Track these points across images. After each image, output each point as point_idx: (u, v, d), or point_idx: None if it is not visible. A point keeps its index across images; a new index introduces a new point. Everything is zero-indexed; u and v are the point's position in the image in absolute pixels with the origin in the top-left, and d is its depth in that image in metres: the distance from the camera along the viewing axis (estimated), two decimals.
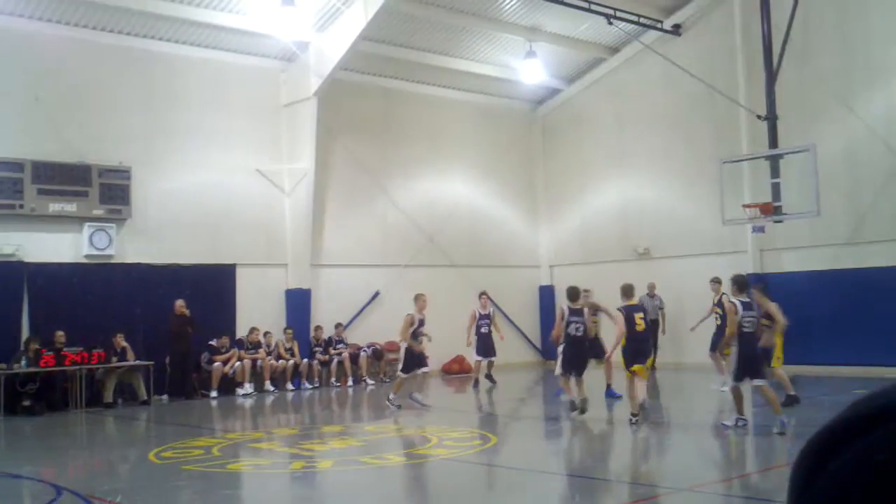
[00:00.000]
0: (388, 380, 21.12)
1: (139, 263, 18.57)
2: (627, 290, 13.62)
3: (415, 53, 22.20)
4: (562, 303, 15.11)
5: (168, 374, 18.36)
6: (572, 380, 13.82)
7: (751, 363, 11.53)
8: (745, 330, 11.50)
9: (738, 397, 11.87)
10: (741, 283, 11.87)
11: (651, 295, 21.28)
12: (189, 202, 19.30)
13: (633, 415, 12.70)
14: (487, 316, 19.54)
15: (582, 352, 13.75)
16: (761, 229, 19.29)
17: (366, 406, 18.17)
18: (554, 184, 25.93)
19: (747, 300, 11.73)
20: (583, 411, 13.41)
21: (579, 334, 13.51)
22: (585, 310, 13.95)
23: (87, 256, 17.88)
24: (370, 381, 20.64)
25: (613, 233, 24.11)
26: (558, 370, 14.01)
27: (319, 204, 21.16)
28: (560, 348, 13.92)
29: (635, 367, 13.12)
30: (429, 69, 23.01)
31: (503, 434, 13.52)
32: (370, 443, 13.00)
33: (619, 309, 13.52)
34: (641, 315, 13.50)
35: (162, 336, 18.23)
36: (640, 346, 13.20)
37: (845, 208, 19.23)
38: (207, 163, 19.68)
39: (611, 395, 15.61)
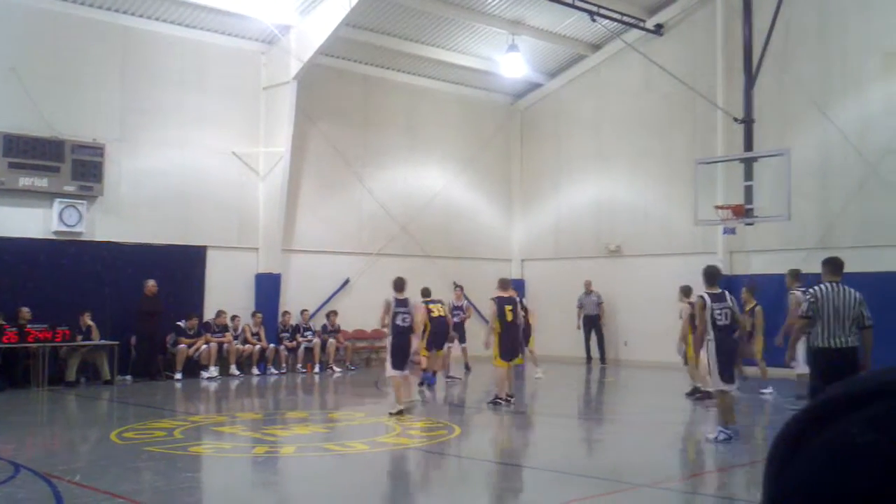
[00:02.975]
0: (354, 367, 21.13)
1: (109, 242, 18.40)
2: (504, 283, 14.75)
3: (397, 41, 22.11)
4: (534, 298, 15.27)
5: (133, 354, 18.23)
6: (400, 376, 13.46)
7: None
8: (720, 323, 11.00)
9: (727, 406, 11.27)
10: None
11: (589, 292, 22.80)
12: (162, 182, 19.14)
13: (499, 399, 14.00)
14: (460, 308, 19.70)
15: (407, 343, 13.39)
16: (732, 231, 19.46)
17: (331, 393, 18.15)
18: (530, 178, 25.97)
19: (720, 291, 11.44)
20: (401, 414, 13.16)
21: (405, 324, 13.32)
22: (410, 300, 13.62)
23: (56, 233, 17.67)
24: (337, 369, 20.60)
25: (586, 229, 24.19)
26: (390, 370, 13.45)
27: (294, 189, 21.07)
28: (388, 341, 13.53)
29: (516, 360, 14.32)
30: (410, 58, 22.95)
31: (467, 425, 13.54)
32: (334, 430, 12.98)
33: (491, 299, 14.41)
34: (511, 307, 14.15)
35: (129, 316, 18.08)
36: (514, 336, 14.14)
37: (816, 213, 19.38)
38: (183, 143, 19.51)
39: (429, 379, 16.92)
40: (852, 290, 9.47)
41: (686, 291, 16.06)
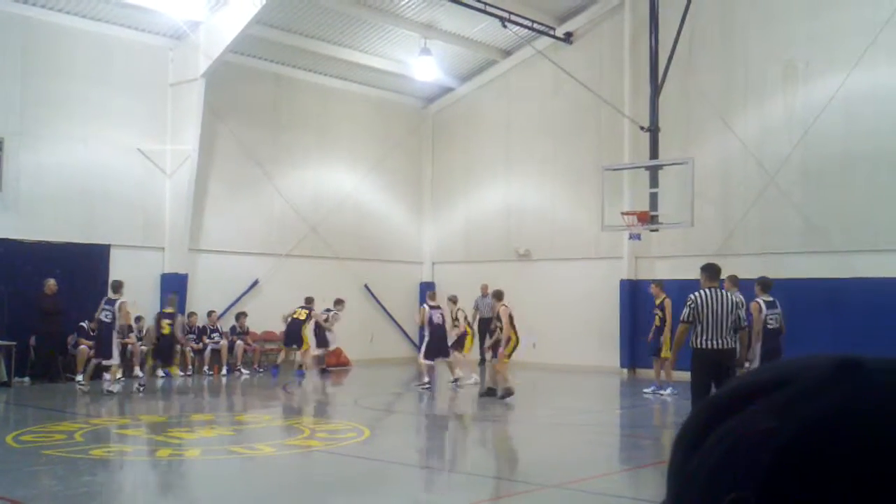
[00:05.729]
0: (261, 370, 20.87)
1: (7, 239, 17.78)
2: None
3: (308, 41, 21.94)
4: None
5: (32, 355, 17.66)
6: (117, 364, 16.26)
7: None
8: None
9: None
10: None
11: (484, 295, 22.43)
12: (65, 178, 18.60)
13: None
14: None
15: (108, 336, 15.86)
16: (638, 237, 19.89)
17: (238, 395, 17.91)
18: (441, 181, 26.08)
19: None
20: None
21: (108, 321, 15.79)
22: (118, 300, 15.95)
23: None
24: (244, 371, 20.33)
25: (496, 233, 24.41)
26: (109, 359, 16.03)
27: (202, 188, 20.71)
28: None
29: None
30: (322, 58, 22.79)
31: (377, 427, 13.53)
32: (241, 432, 12.83)
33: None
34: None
35: (28, 316, 17.50)
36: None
37: (717, 220, 19.96)
38: (86, 138, 19.00)
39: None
40: (730, 295, 9.95)
41: (498, 296, 16.35)
